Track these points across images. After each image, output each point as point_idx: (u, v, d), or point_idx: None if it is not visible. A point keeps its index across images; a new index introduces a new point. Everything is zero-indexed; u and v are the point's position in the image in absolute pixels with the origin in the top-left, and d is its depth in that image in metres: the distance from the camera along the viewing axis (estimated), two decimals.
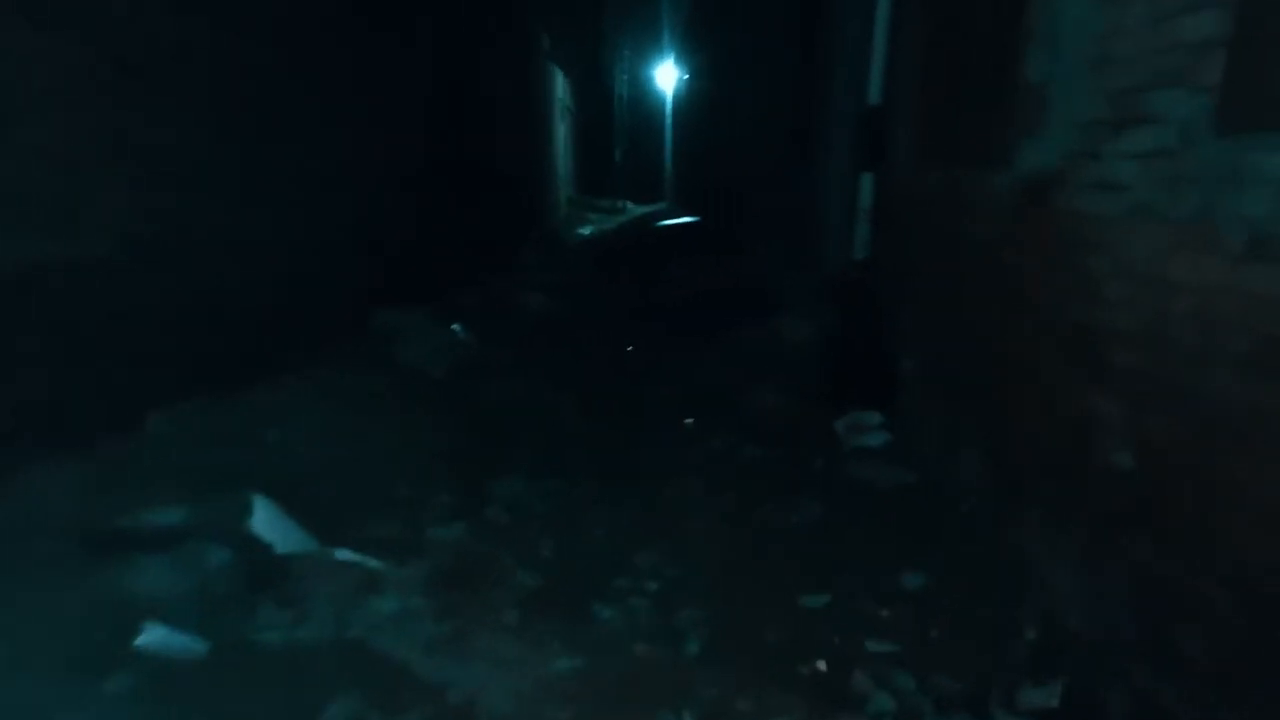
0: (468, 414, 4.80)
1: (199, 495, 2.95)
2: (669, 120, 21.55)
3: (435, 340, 5.54)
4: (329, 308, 5.08)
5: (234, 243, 4.20)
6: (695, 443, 4.90)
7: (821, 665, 2.72)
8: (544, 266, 11.83)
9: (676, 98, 20.70)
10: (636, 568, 3.52)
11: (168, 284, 3.73)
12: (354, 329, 5.33)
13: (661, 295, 9.11)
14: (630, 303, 9.12)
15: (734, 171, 11.40)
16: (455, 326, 6.20)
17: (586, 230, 18.45)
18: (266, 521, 2.83)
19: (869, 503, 4.04)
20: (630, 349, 7.42)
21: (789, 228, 7.69)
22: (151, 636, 2.30)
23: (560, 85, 20.39)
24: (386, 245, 6.43)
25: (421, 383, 4.93)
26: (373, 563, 2.97)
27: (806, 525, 3.85)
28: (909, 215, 4.49)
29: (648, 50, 21.85)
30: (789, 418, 4.79)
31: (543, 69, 17.90)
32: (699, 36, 15.95)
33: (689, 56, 18.03)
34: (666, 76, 21.44)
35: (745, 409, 5.13)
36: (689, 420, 5.29)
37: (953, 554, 3.48)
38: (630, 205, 22.02)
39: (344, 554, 2.96)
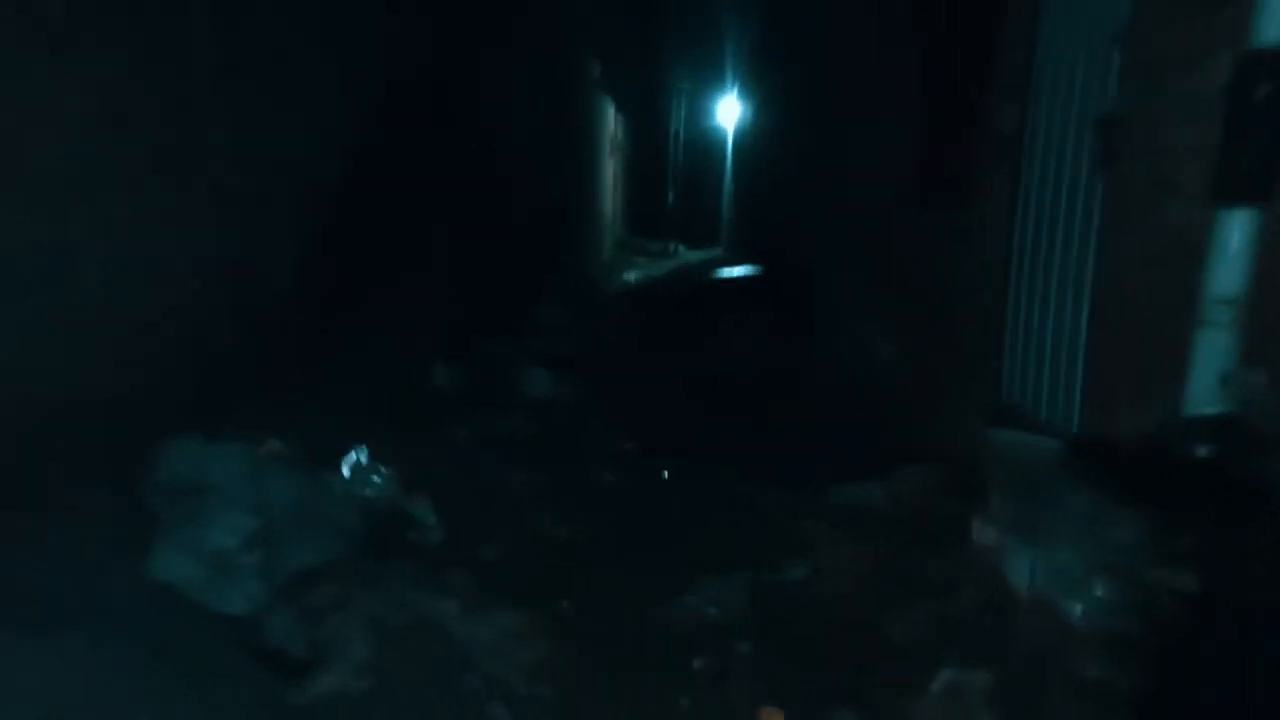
0: None
1: None
2: (729, 159, 18.76)
3: (309, 505, 2.70)
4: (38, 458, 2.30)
5: None
6: None
7: None
8: (569, 326, 9.02)
9: (738, 135, 17.93)
10: None
11: None
12: (114, 494, 2.52)
13: (718, 384, 6.18)
14: (674, 389, 6.22)
15: (811, 219, 8.48)
16: (354, 460, 3.35)
17: (631, 276, 15.66)
18: None
19: None
20: (666, 477, 4.50)
21: (911, 309, 4.73)
22: None
23: (611, 119, 17.81)
24: (251, 309, 3.63)
25: (200, 661, 2.05)
26: None
27: None
28: None
29: (707, 84, 19.16)
30: None
31: (590, 99, 15.33)
32: (769, 63, 13.18)
33: (755, 88, 15.28)
34: (727, 112, 18.70)
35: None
36: None
37: None
38: (683, 250, 19.20)
39: None
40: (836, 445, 4.34)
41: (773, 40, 12.69)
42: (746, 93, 16.42)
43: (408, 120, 5.59)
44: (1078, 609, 1.79)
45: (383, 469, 3.43)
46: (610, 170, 17.43)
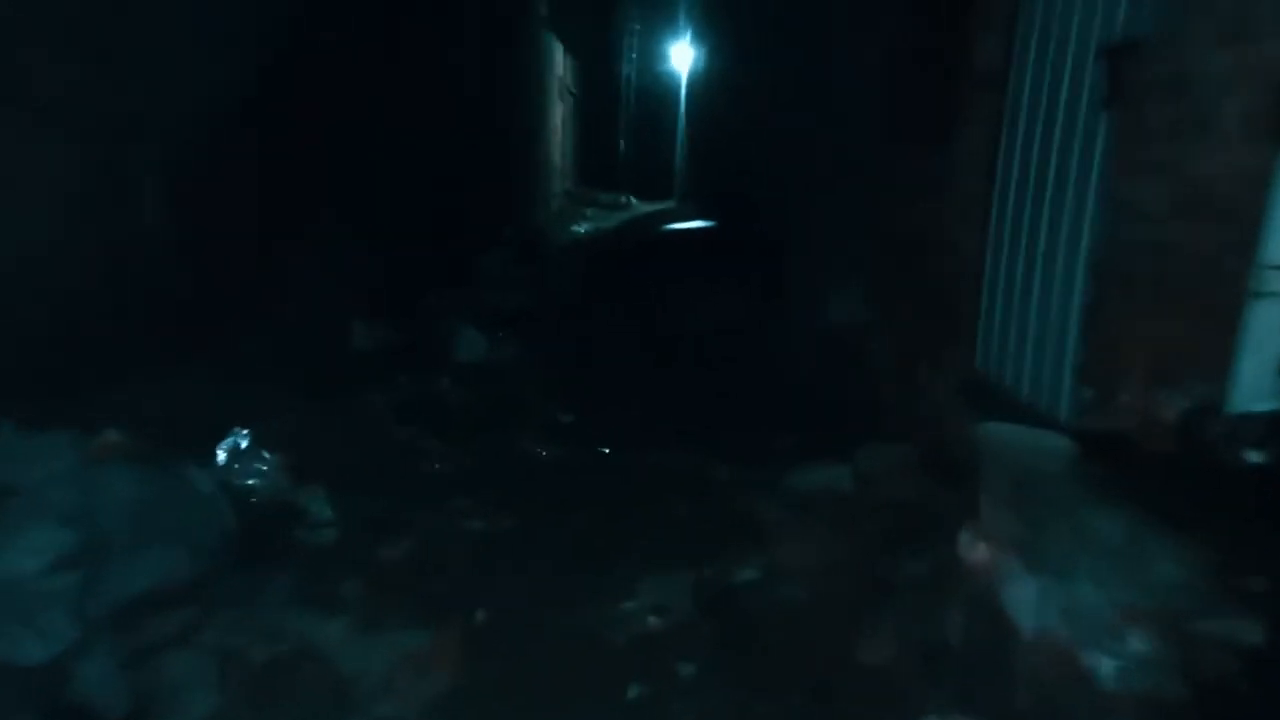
0: None
1: None
2: (682, 107, 18.06)
3: (157, 510, 2.18)
4: None
5: None
6: None
7: None
8: (513, 280, 8.47)
9: (692, 81, 17.23)
10: None
11: None
12: None
13: (669, 346, 5.74)
14: (621, 352, 5.75)
15: (771, 168, 8.00)
16: (232, 445, 2.83)
17: (581, 228, 15.05)
18: None
19: None
20: (607, 453, 4.05)
21: (880, 265, 4.31)
22: None
23: (561, 63, 16.93)
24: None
25: None
26: None
27: None
28: None
29: (660, 27, 18.33)
30: None
31: (538, 39, 14.47)
32: (727, 8, 12.51)
33: (711, 30, 14.59)
34: (681, 57, 17.94)
35: None
36: None
37: None
38: (635, 201, 18.53)
39: None
40: (797, 418, 3.93)
41: None
42: (701, 35, 15.70)
43: (331, 53, 4.93)
44: (1105, 664, 1.39)
45: (267, 454, 2.92)
46: (559, 116, 16.62)
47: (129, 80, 3.08)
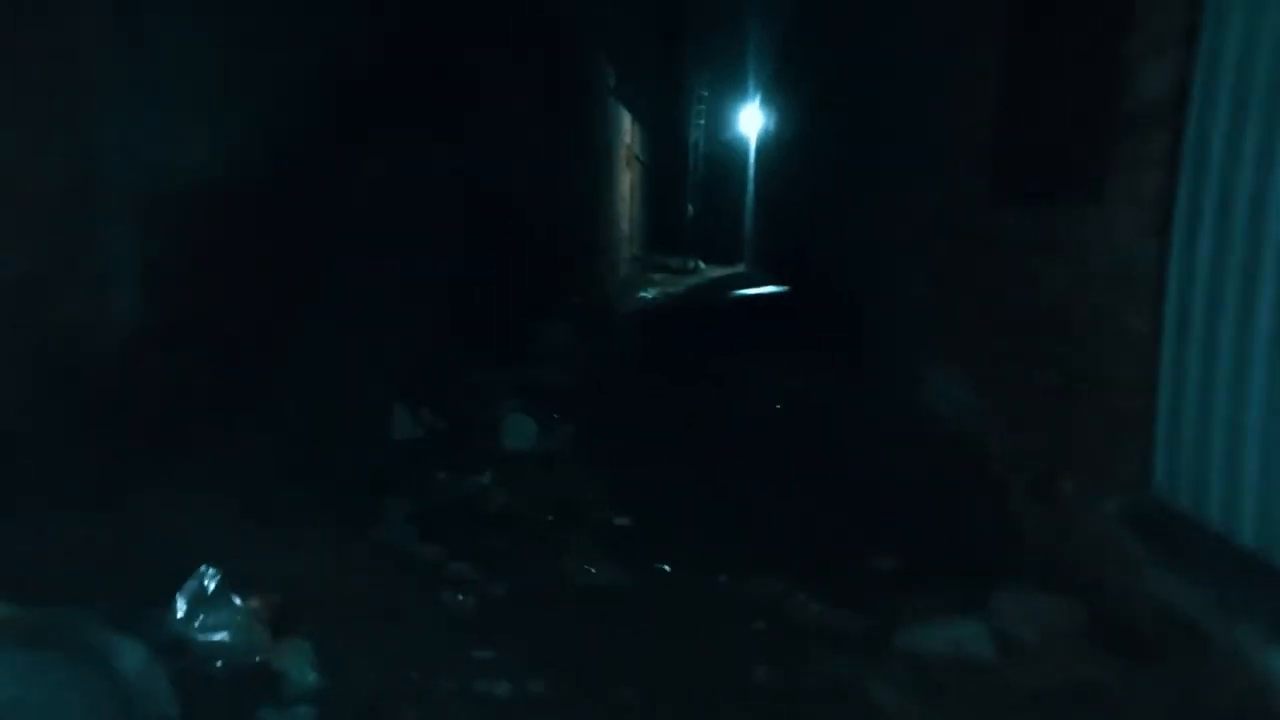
0: None
1: None
2: (751, 171, 17.60)
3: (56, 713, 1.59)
4: None
5: None
6: None
7: None
8: (573, 353, 7.90)
9: (761, 145, 16.78)
10: None
11: None
12: None
13: (742, 431, 5.02)
14: (689, 437, 5.05)
15: (849, 230, 7.31)
16: (196, 590, 2.23)
17: (648, 294, 14.55)
18: None
19: None
20: (668, 570, 3.31)
21: (996, 342, 3.53)
22: None
23: (628, 130, 16.75)
24: None
25: None
26: None
27: None
28: None
29: (728, 93, 18.03)
30: None
31: (605, 109, 14.28)
32: (798, 60, 12.05)
33: (781, 92, 14.16)
34: (750, 121, 17.57)
35: None
36: None
37: None
38: (703, 265, 18.03)
39: None
40: (896, 531, 3.14)
41: (803, 34, 11.55)
42: (771, 98, 15.29)
43: (369, 100, 4.51)
44: None
45: (239, 600, 2.30)
46: (626, 183, 16.34)
47: (92, 139, 2.61)
